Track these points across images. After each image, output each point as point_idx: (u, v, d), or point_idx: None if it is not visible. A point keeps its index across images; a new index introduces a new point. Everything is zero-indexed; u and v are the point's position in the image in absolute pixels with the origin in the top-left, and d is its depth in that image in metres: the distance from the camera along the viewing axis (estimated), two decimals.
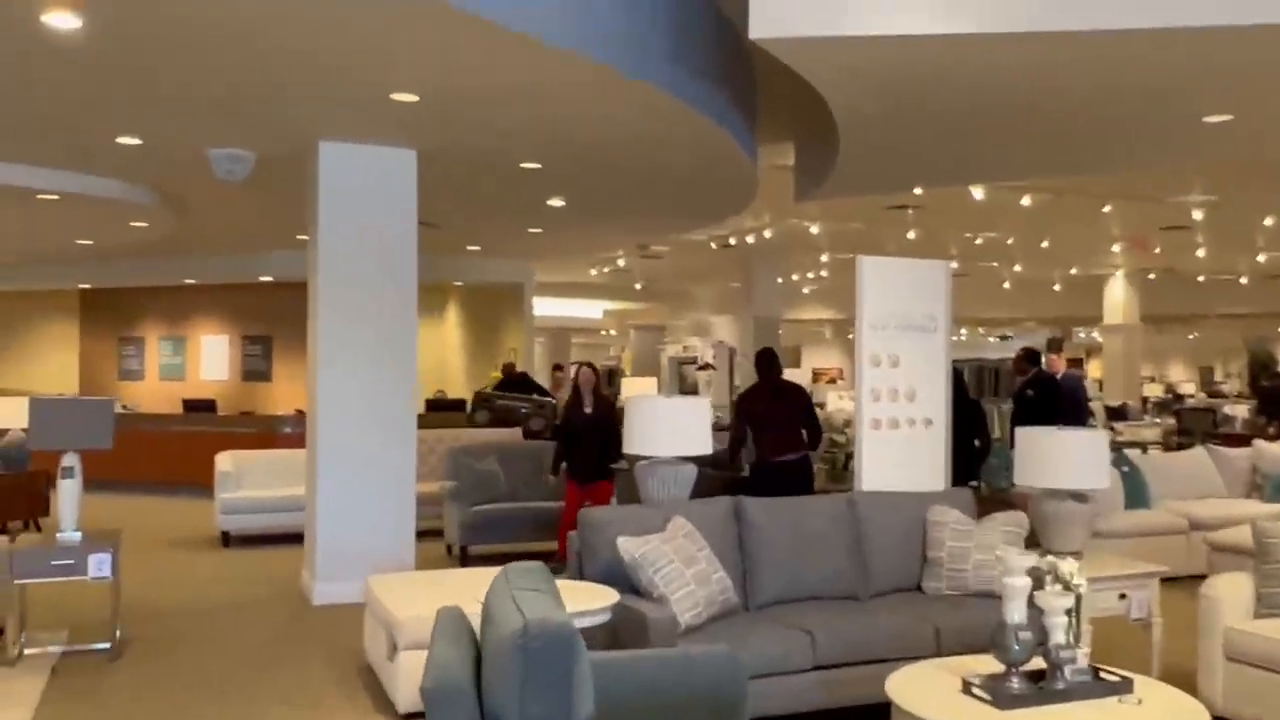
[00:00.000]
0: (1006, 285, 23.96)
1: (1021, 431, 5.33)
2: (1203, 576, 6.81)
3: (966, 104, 6.37)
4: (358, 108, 5.94)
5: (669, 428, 5.22)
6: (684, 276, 23.05)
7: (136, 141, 6.77)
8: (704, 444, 5.31)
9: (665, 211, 9.50)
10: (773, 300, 20.21)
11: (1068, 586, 3.54)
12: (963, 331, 31.58)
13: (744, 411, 7.55)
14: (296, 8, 4.34)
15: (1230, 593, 4.66)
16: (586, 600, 4.03)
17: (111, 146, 6.89)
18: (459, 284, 14.95)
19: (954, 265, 19.94)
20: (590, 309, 28.70)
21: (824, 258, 19.34)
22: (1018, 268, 20.70)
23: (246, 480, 9.27)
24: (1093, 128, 6.81)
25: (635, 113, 6.00)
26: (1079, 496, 5.20)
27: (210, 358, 16.08)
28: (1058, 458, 5.15)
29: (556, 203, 8.99)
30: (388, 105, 5.77)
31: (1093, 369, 28.87)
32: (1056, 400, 10.43)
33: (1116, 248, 17.57)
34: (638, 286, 24.78)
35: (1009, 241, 16.86)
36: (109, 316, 16.55)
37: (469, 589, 4.40)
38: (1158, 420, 18.70)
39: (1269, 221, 14.27)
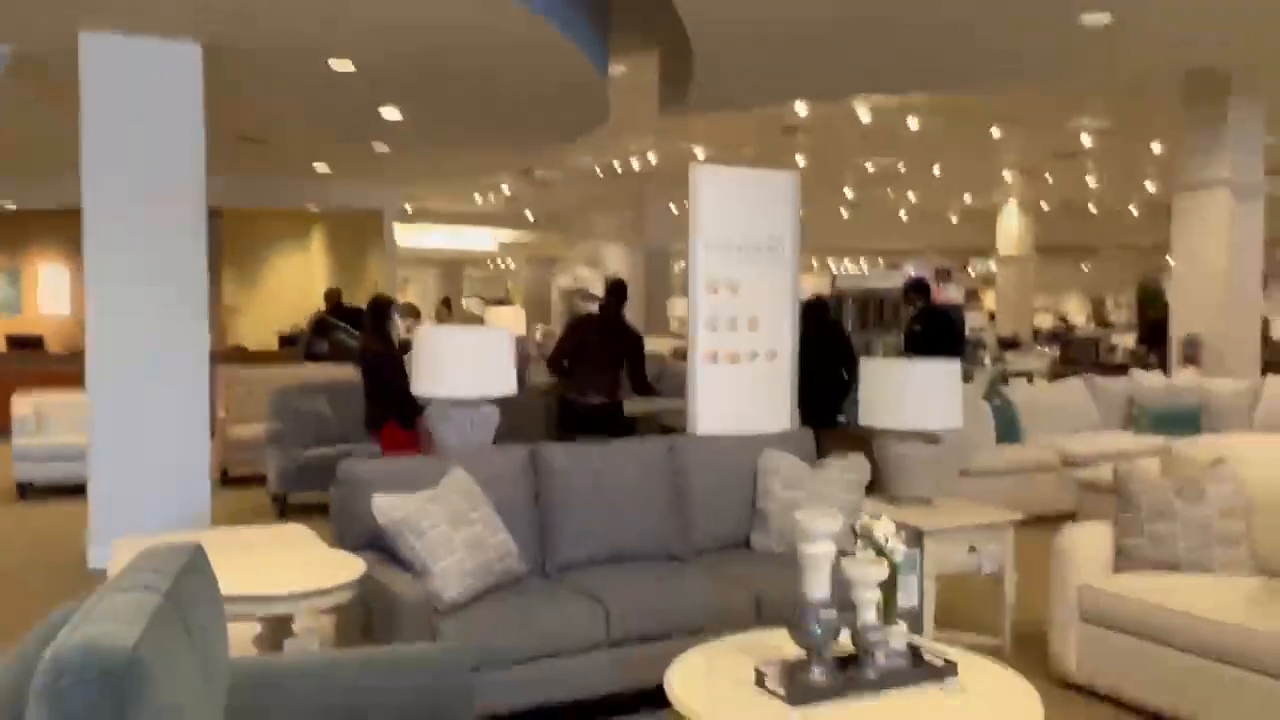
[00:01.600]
0: (903, 215, 23.65)
1: (866, 364, 4.74)
2: (1074, 516, 6.39)
3: (827, 6, 5.70)
4: None
5: (464, 364, 4.49)
6: (576, 206, 22.22)
7: None
8: (506, 383, 4.60)
9: (513, 126, 8.67)
10: (665, 231, 19.50)
11: (881, 552, 2.94)
12: (862, 261, 31.31)
13: (566, 339, 6.95)
14: None
15: (1086, 544, 4.14)
16: (315, 576, 3.31)
17: None
18: (315, 210, 13.90)
19: (849, 194, 19.65)
20: (484, 240, 27.67)
21: None
22: (911, 196, 20.32)
23: (51, 425, 8.31)
24: (964, 32, 6.19)
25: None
26: (929, 437, 4.64)
27: (49, 291, 14.80)
28: (905, 394, 4.57)
29: (392, 114, 8.09)
30: None
31: (988, 300, 28.86)
32: (949, 335, 9.89)
33: (1008, 174, 17.23)
34: (529, 215, 23.87)
35: (900, 167, 16.39)
36: None
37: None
38: (1046, 350, 18.59)
39: (1157, 149, 13.99)
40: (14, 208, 13.18)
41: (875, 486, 4.73)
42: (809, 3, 5.85)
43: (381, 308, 6.31)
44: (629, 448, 4.45)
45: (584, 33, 6.31)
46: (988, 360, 15.80)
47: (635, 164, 15.92)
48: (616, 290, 6.94)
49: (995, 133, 13.12)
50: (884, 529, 2.92)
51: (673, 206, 21.27)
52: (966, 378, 13.69)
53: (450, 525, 3.60)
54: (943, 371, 4.63)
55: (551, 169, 16.22)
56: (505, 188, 18.90)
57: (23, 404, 8.31)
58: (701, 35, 6.51)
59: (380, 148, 9.70)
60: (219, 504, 6.69)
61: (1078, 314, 29.10)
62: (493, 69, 6.69)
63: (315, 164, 11.17)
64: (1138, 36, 6.26)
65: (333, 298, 11.55)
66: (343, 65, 6.51)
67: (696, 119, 12.30)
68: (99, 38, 5.82)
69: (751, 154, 15.00)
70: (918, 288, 9.75)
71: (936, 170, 16.52)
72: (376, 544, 3.73)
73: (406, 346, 17.81)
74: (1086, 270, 33.20)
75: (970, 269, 32.11)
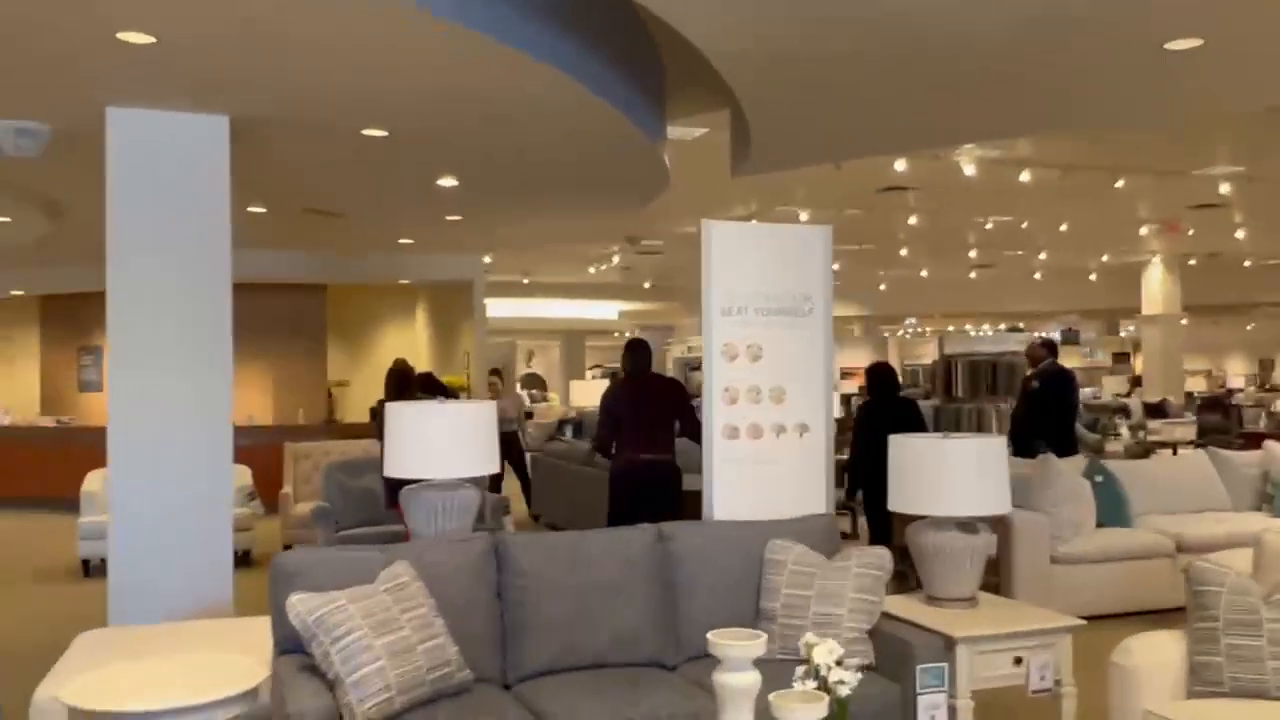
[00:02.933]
0: (1038, 276, 22.42)
1: (894, 440, 4.12)
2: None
3: (878, 47, 5.20)
4: (99, 55, 4.89)
5: (438, 443, 4.09)
6: (691, 273, 21.90)
7: None
8: (488, 461, 4.18)
9: (572, 192, 8.36)
10: None
11: (825, 686, 2.35)
12: (1001, 326, 29.88)
13: (607, 409, 6.56)
14: None
15: (1153, 659, 3.41)
16: (203, 686, 2.91)
17: None
18: (404, 283, 13.94)
19: (973, 255, 18.73)
20: (607, 310, 27.71)
21: None
22: (1042, 255, 19.18)
23: None
24: (1039, 70, 5.56)
25: (464, 63, 4.89)
26: (967, 526, 3.98)
27: None
28: (939, 476, 3.93)
29: (448, 182, 7.90)
30: (121, 49, 4.72)
31: (1138, 364, 27.05)
32: (1068, 396, 9.31)
33: (1144, 230, 16.03)
34: (646, 285, 23.71)
35: (1023, 225, 15.46)
36: (68, 325, 15.79)
37: (159, 659, 3.35)
38: (1196, 418, 17.08)
39: None
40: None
41: (899, 585, 4.09)
42: (860, 58, 5.36)
43: (400, 376, 6.01)
44: (610, 536, 3.94)
45: (624, 93, 5.96)
46: (1125, 429, 14.59)
47: None
48: (632, 349, 6.52)
49: (1119, 184, 12.16)
50: (826, 654, 2.34)
51: None
52: (1098, 449, 12.64)
53: (372, 628, 3.17)
54: (984, 448, 3.97)
55: (655, 237, 15.95)
56: (615, 258, 18.78)
57: (92, 480, 8.35)
58: (748, 94, 6.09)
59: (452, 217, 9.56)
60: None
61: (1237, 377, 26.96)
62: (529, 133, 6.41)
63: (400, 239, 11.15)
64: (1227, 58, 5.48)
65: (401, 370, 11.33)
66: (375, 132, 6.33)
67: (796, 181, 11.84)
68: (125, 112, 5.78)
69: (860, 215, 14.42)
70: (1045, 345, 9.45)
71: (1064, 227, 15.51)
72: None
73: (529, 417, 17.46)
74: (1251, 329, 30.92)
75: (1122, 331, 30.29)
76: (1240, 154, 10.81)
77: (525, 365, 31.18)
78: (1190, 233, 16.10)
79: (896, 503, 4.05)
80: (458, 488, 4.15)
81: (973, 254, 18.71)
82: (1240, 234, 16.15)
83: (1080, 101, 6.12)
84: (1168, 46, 5.23)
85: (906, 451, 4.00)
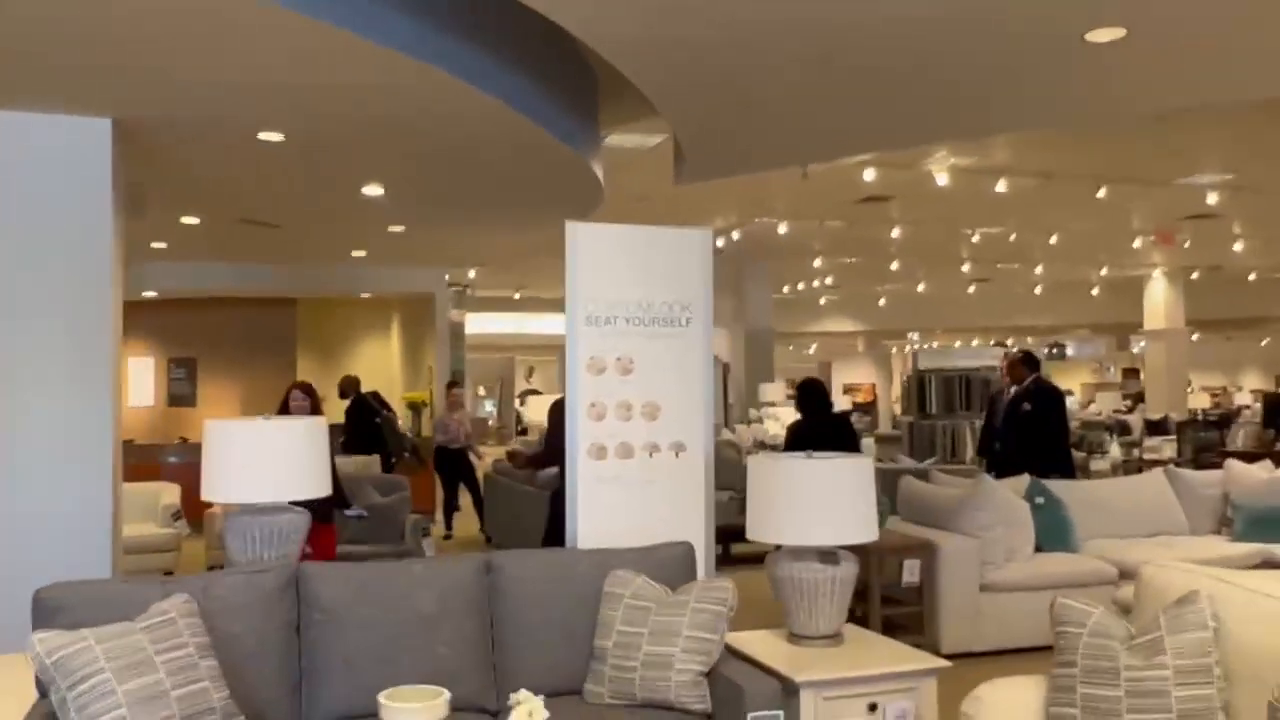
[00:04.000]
0: (1038, 290, 21.93)
1: (753, 462, 3.76)
2: None
3: (794, 49, 4.88)
4: None
5: (259, 463, 3.77)
6: None
7: None
8: (318, 483, 3.85)
9: (502, 202, 8.04)
10: (765, 311, 18.48)
11: None
12: (1009, 341, 29.32)
13: (554, 425, 6.24)
14: None
15: (1004, 711, 3.03)
16: None
17: None
18: (366, 296, 13.67)
19: (966, 268, 18.25)
20: None
21: (817, 263, 17.67)
22: (1039, 269, 18.70)
23: None
24: (959, 68, 5.20)
25: (325, 57, 4.60)
26: (829, 556, 3.61)
27: (138, 382, 15.03)
28: (797, 501, 3.57)
29: (373, 190, 7.61)
30: None
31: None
32: (1060, 415, 8.41)
33: (1139, 242, 15.56)
34: None
35: (1011, 238, 15.03)
36: None
37: None
38: (1204, 435, 16.50)
39: None
40: None
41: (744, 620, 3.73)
42: (776, 62, 5.04)
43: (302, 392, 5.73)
44: (430, 565, 3.61)
45: (530, 98, 5.65)
46: (1114, 447, 14.13)
47: (719, 242, 15.16)
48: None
49: (1101, 193, 11.72)
50: (525, 716, 1.99)
51: (785, 287, 20.44)
52: (1082, 467, 12.14)
53: (118, 672, 2.84)
54: (847, 469, 3.61)
55: None
56: None
57: None
58: (662, 98, 5.79)
59: (395, 228, 9.26)
60: None
61: (1242, 392, 26.25)
62: (434, 139, 6.12)
63: (351, 250, 10.88)
64: (1150, 50, 5.08)
65: (349, 386, 11.05)
66: (271, 136, 6.04)
67: (774, 192, 11.51)
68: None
69: (841, 226, 14.06)
70: (1027, 361, 8.51)
71: (1054, 239, 15.06)
72: None
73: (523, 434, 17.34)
74: (1265, 345, 30.21)
75: (1133, 346, 29.65)
76: (1229, 161, 10.39)
77: (526, 381, 30.92)
78: (1186, 244, 15.63)
79: (754, 530, 3.68)
80: (280, 512, 3.82)
81: (965, 267, 18.28)
82: (1239, 246, 15.68)
83: (1003, 100, 5.76)
84: (1089, 38, 4.87)
85: (762, 473, 3.64)
